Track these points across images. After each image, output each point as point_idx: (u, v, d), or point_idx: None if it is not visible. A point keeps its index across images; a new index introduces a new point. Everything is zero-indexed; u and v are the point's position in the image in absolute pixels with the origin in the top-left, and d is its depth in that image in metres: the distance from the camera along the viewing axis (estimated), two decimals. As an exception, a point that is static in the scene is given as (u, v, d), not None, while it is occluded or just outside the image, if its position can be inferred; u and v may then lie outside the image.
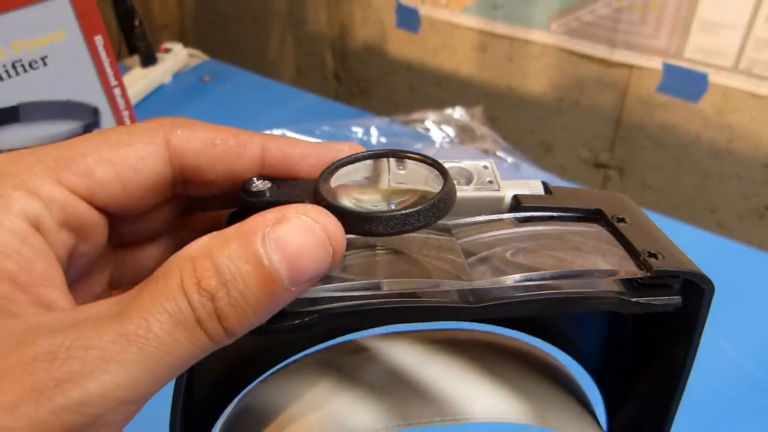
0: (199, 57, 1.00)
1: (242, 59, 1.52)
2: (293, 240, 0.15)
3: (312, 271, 0.15)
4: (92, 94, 0.51)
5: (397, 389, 0.22)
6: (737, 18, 0.83)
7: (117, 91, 0.52)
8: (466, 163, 0.21)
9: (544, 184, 0.22)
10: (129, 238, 0.21)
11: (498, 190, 0.21)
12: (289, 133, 0.69)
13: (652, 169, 1.04)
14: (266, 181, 0.19)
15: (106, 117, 0.52)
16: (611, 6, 0.92)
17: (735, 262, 0.61)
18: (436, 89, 1.22)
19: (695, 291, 0.19)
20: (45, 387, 0.13)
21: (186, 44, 0.98)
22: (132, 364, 0.14)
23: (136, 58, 0.92)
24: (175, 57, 0.94)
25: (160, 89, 0.90)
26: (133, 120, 0.54)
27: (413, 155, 0.19)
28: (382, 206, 0.19)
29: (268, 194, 0.19)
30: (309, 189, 0.19)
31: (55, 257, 0.17)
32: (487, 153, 0.66)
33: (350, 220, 0.17)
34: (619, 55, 0.96)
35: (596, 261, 0.19)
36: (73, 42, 0.47)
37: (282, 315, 0.16)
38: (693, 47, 0.89)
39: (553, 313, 0.26)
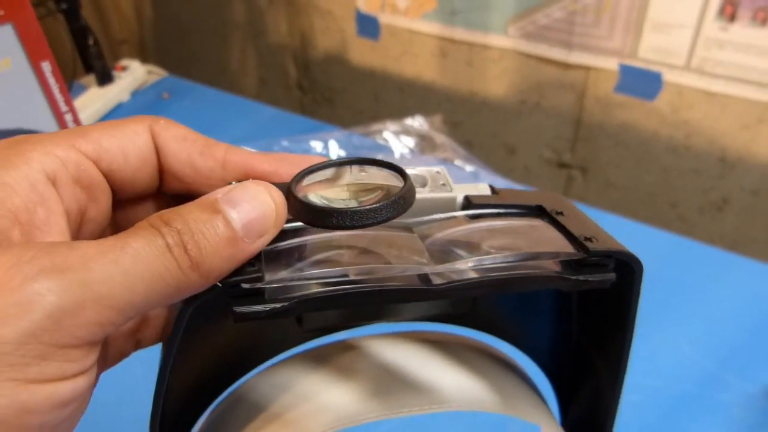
0: (158, 73, 0.99)
1: (204, 72, 1.51)
2: (242, 195, 0.18)
3: (260, 219, 0.18)
4: (42, 121, 0.50)
5: (384, 381, 0.24)
6: (687, 18, 0.85)
7: (68, 117, 0.51)
8: (421, 169, 0.24)
9: (491, 186, 0.24)
10: (120, 226, 0.24)
11: (451, 192, 0.23)
12: (249, 149, 0.69)
13: (613, 168, 1.05)
14: None
15: (58, 143, 0.51)
16: (566, 9, 0.94)
17: (691, 258, 0.63)
18: (399, 96, 1.23)
19: (627, 272, 0.21)
20: (30, 270, 0.15)
21: (146, 59, 0.98)
22: (109, 264, 0.16)
23: (92, 77, 0.91)
24: (133, 74, 0.93)
25: (118, 108, 0.89)
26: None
27: (376, 161, 0.21)
28: (349, 203, 0.21)
29: None
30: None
31: (62, 210, 0.19)
32: (446, 162, 0.66)
33: (318, 214, 0.19)
34: (576, 57, 0.97)
35: (541, 246, 0.21)
36: (20, 69, 0.47)
37: (263, 302, 0.18)
38: (646, 47, 0.91)
39: (506, 292, 0.29)
